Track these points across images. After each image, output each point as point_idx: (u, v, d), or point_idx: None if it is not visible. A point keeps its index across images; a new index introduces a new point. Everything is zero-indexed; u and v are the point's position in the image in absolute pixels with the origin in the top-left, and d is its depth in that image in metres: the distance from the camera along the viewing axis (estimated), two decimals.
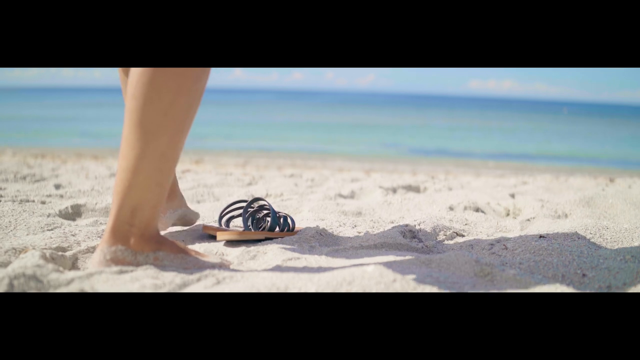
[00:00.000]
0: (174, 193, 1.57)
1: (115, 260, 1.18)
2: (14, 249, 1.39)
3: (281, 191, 2.79)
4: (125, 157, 1.18)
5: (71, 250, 1.47)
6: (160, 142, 1.17)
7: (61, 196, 2.44)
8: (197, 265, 1.26)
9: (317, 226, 1.66)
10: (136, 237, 1.20)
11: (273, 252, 1.39)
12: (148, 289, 1.08)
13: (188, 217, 1.62)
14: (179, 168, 4.72)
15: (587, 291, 1.19)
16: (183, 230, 1.68)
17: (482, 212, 2.35)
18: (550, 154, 11.39)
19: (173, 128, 1.18)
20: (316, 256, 1.39)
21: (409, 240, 1.59)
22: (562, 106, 64.23)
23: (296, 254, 1.38)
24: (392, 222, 1.91)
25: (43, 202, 2.26)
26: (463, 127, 20.44)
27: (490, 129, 19.41)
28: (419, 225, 1.76)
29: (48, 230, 1.74)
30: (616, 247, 1.57)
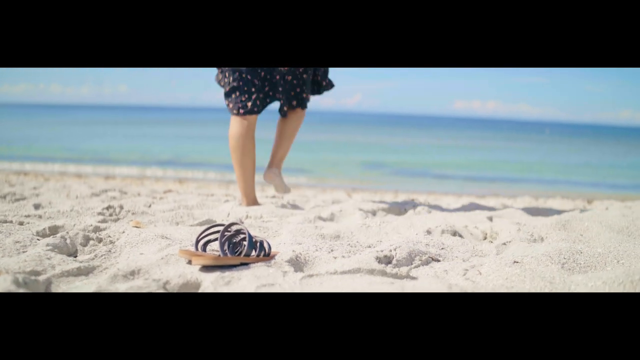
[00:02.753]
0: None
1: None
2: None
3: (261, 213, 2.80)
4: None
5: (45, 274, 1.46)
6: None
7: (40, 217, 2.42)
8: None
9: (293, 251, 1.67)
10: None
11: (247, 279, 1.40)
12: None
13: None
14: (160, 188, 4.71)
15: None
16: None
17: (460, 235, 2.37)
18: (531, 176, 11.52)
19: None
20: (290, 282, 1.39)
21: (384, 266, 1.60)
22: (545, 127, 65.08)
23: (270, 281, 1.39)
24: (369, 247, 1.93)
25: (21, 223, 2.24)
26: (447, 147, 20.63)
27: (473, 150, 19.61)
28: (394, 250, 1.78)
29: (23, 252, 1.73)
30: (589, 272, 1.60)
